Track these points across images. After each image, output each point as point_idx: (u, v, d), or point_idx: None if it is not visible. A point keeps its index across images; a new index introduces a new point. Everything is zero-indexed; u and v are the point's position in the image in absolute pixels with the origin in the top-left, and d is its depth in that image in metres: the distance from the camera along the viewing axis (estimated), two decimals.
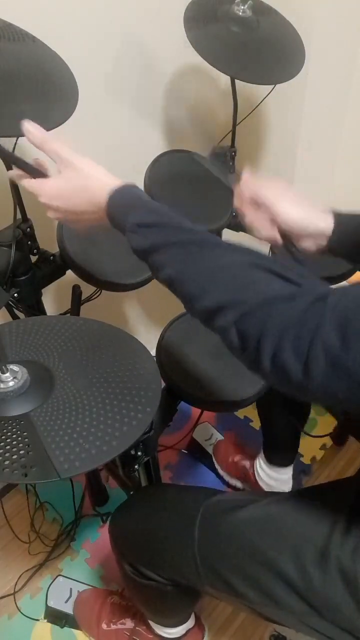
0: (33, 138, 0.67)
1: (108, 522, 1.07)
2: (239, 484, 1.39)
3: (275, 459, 1.27)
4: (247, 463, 1.37)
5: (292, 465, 1.29)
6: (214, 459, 1.45)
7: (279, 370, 0.49)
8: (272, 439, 1.26)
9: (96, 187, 0.65)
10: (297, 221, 0.74)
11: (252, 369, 0.54)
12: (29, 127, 0.67)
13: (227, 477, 1.41)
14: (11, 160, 0.70)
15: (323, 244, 0.75)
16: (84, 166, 0.66)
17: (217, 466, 1.44)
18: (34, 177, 0.70)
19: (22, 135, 0.69)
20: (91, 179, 0.66)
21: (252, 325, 0.51)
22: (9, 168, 0.79)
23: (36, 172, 0.70)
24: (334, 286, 0.52)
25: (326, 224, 0.74)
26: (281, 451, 1.27)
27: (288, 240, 0.76)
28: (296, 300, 0.50)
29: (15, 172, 0.72)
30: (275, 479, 1.27)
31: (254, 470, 1.33)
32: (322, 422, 1.31)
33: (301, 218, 0.74)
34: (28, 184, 0.70)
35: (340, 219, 0.74)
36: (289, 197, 0.75)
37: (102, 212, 0.65)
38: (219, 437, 1.51)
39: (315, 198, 0.76)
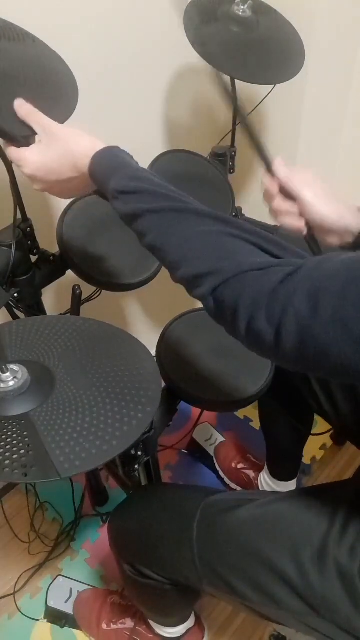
0: (19, 109, 0.68)
1: (107, 521, 1.07)
2: (239, 489, 1.39)
3: (281, 474, 1.28)
4: (250, 473, 1.38)
5: (297, 478, 1.30)
6: (215, 461, 1.45)
7: (254, 337, 0.52)
8: (275, 450, 1.26)
9: (78, 151, 0.64)
10: (329, 216, 0.73)
11: (230, 334, 0.56)
12: (18, 102, 0.68)
13: (227, 480, 1.41)
14: None
15: (349, 240, 0.75)
16: (65, 131, 0.66)
17: (217, 468, 1.44)
18: (17, 146, 0.69)
19: (22, 135, 0.69)
20: (72, 142, 0.65)
21: (228, 295, 0.53)
22: (8, 167, 0.79)
23: (17, 138, 0.69)
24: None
25: (355, 222, 0.73)
26: (285, 464, 1.28)
27: (311, 234, 0.75)
28: (271, 270, 0.52)
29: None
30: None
31: (258, 483, 1.34)
32: (322, 422, 1.31)
33: (332, 214, 0.73)
34: (11, 155, 0.69)
35: None
36: (320, 189, 0.74)
37: (87, 178, 0.65)
38: (219, 437, 1.51)
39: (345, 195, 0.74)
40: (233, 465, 1.40)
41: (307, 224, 0.75)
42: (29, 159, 0.68)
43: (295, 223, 0.76)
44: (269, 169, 0.75)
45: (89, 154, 0.63)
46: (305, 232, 0.76)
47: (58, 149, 0.66)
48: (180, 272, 0.57)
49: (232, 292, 0.52)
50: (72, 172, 0.66)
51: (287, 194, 0.74)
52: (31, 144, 0.69)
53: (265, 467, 1.31)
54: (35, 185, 0.70)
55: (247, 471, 1.39)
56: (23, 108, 0.68)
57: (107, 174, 0.62)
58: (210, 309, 0.56)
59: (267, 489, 1.31)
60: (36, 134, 0.69)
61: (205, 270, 0.54)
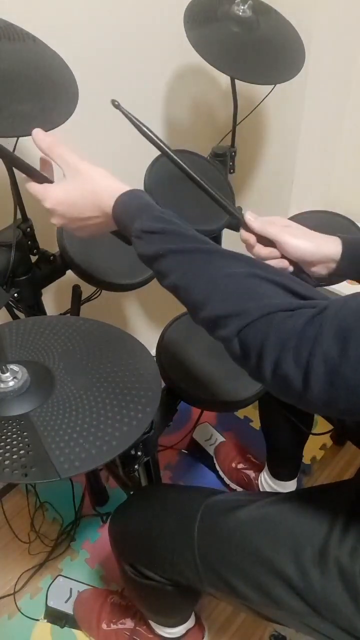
0: (40, 143, 0.68)
1: (108, 521, 1.07)
2: (239, 489, 1.40)
3: (281, 474, 1.28)
4: (251, 473, 1.38)
5: (297, 478, 1.30)
6: (215, 461, 1.45)
7: (280, 380, 0.50)
8: (275, 450, 1.27)
9: (103, 191, 0.65)
10: (307, 250, 0.76)
11: (254, 378, 0.55)
12: (38, 132, 0.68)
13: (227, 480, 1.41)
14: (16, 165, 0.70)
15: (333, 267, 0.77)
16: (90, 171, 0.66)
17: (218, 468, 1.44)
18: (39, 182, 0.70)
19: (22, 135, 0.69)
20: (98, 183, 0.66)
21: (253, 336, 0.52)
22: (8, 167, 0.79)
23: (41, 177, 0.69)
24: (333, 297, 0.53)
25: (334, 250, 0.76)
26: (285, 464, 1.28)
27: (299, 268, 0.79)
28: (297, 312, 0.51)
29: (19, 176, 0.72)
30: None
31: (258, 483, 1.35)
32: (322, 421, 1.31)
33: (310, 247, 0.76)
34: (33, 188, 0.70)
35: (348, 242, 0.76)
36: (294, 229, 0.78)
37: (109, 218, 0.65)
38: (219, 437, 1.51)
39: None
40: (233, 465, 1.41)
41: (291, 262, 0.79)
42: (51, 194, 0.68)
43: (279, 264, 0.79)
44: (241, 223, 0.79)
45: (113, 195, 0.64)
46: (291, 269, 0.79)
47: (82, 186, 0.66)
48: (205, 312, 0.56)
49: (258, 333, 0.51)
50: (93, 212, 0.66)
51: (265, 241, 0.78)
52: (49, 181, 0.70)
53: (266, 467, 1.31)
54: (53, 219, 0.70)
55: (247, 471, 1.39)
56: (44, 141, 0.68)
57: (132, 215, 0.62)
58: (234, 351, 0.54)
59: (267, 489, 1.31)
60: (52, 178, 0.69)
61: (231, 311, 0.53)
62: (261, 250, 0.78)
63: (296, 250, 0.76)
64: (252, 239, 0.79)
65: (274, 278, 0.55)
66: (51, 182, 0.70)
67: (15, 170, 0.76)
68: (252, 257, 0.58)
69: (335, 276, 0.79)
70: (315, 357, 0.47)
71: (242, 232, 0.80)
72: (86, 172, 0.66)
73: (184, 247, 0.58)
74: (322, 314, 0.49)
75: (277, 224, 0.78)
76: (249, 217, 0.78)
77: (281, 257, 0.78)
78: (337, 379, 0.47)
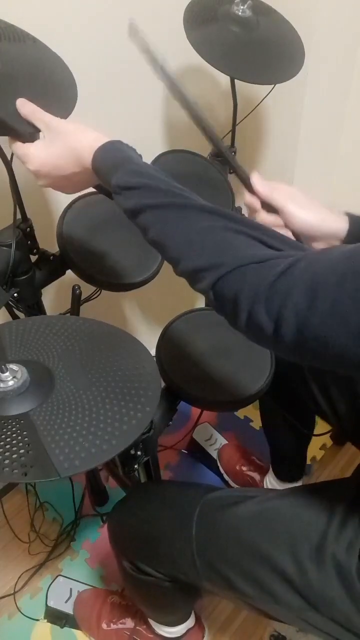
0: (23, 109, 0.69)
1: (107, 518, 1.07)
2: None
3: (286, 475, 1.29)
4: (256, 475, 1.38)
5: (302, 479, 1.30)
6: (218, 464, 1.45)
7: (254, 329, 0.53)
8: (279, 452, 1.27)
9: (81, 146, 0.65)
10: (311, 223, 0.74)
11: (232, 326, 0.56)
12: (20, 102, 0.69)
13: (232, 484, 1.41)
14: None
15: (336, 244, 0.75)
16: (68, 127, 0.67)
17: (222, 471, 1.44)
18: (22, 141, 0.70)
19: (28, 132, 0.69)
20: (75, 138, 0.66)
21: (227, 288, 0.53)
22: (8, 167, 0.79)
23: (20, 133, 0.69)
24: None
25: (340, 226, 0.74)
26: (289, 464, 1.28)
27: (299, 241, 0.77)
28: (270, 263, 0.52)
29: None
30: None
31: (264, 485, 1.35)
32: (322, 422, 1.31)
33: (315, 220, 0.74)
34: (16, 149, 0.70)
35: (354, 220, 0.75)
36: (301, 199, 0.75)
37: (90, 172, 0.65)
38: (219, 437, 1.51)
39: (314, 198, 0.76)
40: (237, 467, 1.41)
41: (293, 233, 0.76)
42: (33, 155, 0.68)
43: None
44: (247, 185, 0.77)
45: (92, 148, 0.64)
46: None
47: (61, 144, 0.66)
48: (181, 266, 0.57)
49: (232, 285, 0.53)
50: (75, 167, 0.66)
51: (270, 207, 0.76)
52: (36, 140, 0.70)
53: (271, 470, 1.32)
54: (39, 180, 0.71)
55: (251, 473, 1.39)
56: (25, 107, 0.69)
57: (110, 169, 0.62)
58: (212, 302, 0.56)
59: None
60: (39, 131, 0.69)
61: (206, 264, 0.55)
62: (265, 216, 0.77)
63: (302, 223, 0.74)
64: (257, 203, 0.77)
65: (249, 232, 0.56)
66: (32, 137, 0.70)
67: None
68: (228, 210, 0.58)
69: None
70: (286, 309, 0.49)
71: (247, 195, 0.78)
72: (64, 128, 0.67)
73: (160, 202, 0.59)
74: (294, 266, 0.50)
75: (283, 192, 0.75)
76: (256, 179, 0.76)
77: (284, 227, 0.76)
78: (306, 329, 0.48)
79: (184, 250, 0.57)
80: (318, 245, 0.76)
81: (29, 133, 0.70)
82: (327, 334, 0.47)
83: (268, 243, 0.55)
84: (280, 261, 0.51)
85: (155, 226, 0.59)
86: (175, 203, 0.59)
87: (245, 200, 0.78)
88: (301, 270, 0.50)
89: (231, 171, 1.26)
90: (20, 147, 0.70)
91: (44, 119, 0.68)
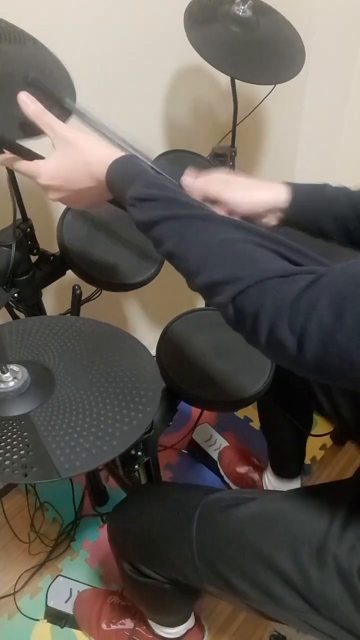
0: (27, 109, 0.66)
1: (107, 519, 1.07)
2: None
3: (284, 472, 1.29)
4: (255, 476, 1.38)
5: (300, 476, 1.30)
6: (219, 466, 1.45)
7: (275, 346, 0.51)
8: (277, 450, 1.27)
9: (95, 160, 0.64)
10: (247, 201, 0.74)
11: (250, 343, 0.55)
12: (25, 97, 0.66)
13: (233, 486, 1.42)
14: (4, 144, 0.68)
15: (282, 216, 0.75)
16: (80, 140, 0.65)
17: (222, 473, 1.44)
18: (29, 160, 0.68)
19: (22, 137, 0.69)
20: (89, 152, 0.65)
21: (248, 303, 0.52)
22: (8, 168, 0.79)
23: (31, 154, 0.67)
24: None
25: (276, 197, 0.74)
26: (287, 461, 1.28)
27: (250, 221, 0.75)
28: (293, 278, 0.50)
29: (6, 156, 0.70)
30: None
31: (262, 484, 1.35)
32: (322, 422, 1.31)
33: (250, 198, 0.74)
34: (24, 166, 0.68)
35: (296, 189, 0.74)
36: (232, 184, 0.75)
37: (103, 187, 0.64)
38: (219, 438, 1.51)
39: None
40: (238, 470, 1.41)
41: (242, 218, 0.75)
42: (43, 169, 0.67)
43: None
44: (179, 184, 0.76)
45: (106, 163, 0.63)
46: None
47: (74, 157, 0.65)
48: (199, 279, 0.55)
49: (253, 300, 0.51)
50: (89, 182, 0.65)
51: (208, 200, 0.75)
52: (40, 157, 0.68)
53: (269, 467, 1.32)
54: (50, 195, 0.69)
55: (252, 474, 1.39)
56: (30, 108, 0.66)
57: (125, 182, 0.61)
58: (229, 317, 0.54)
59: (271, 488, 1.31)
60: (42, 134, 0.67)
61: (226, 277, 0.53)
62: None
63: (237, 206, 0.73)
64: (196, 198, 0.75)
65: (269, 245, 0.55)
66: (42, 158, 0.68)
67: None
68: (247, 222, 0.57)
69: (290, 226, 0.76)
70: (311, 323, 0.47)
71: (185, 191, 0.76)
72: (76, 141, 0.65)
73: (177, 214, 0.58)
74: (318, 281, 0.49)
75: (217, 181, 0.75)
76: (188, 178, 0.75)
77: (229, 214, 0.74)
78: (331, 345, 0.46)
79: (202, 263, 0.55)
80: (266, 221, 0.76)
81: (35, 155, 0.67)
82: (353, 350, 0.45)
83: (289, 257, 0.54)
84: (304, 276, 0.50)
85: (172, 238, 0.58)
86: (194, 215, 0.58)
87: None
88: (326, 284, 0.48)
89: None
90: (25, 164, 0.68)
91: (53, 126, 0.66)
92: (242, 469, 1.40)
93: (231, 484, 1.41)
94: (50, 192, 0.69)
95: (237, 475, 1.40)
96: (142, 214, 0.60)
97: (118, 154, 0.64)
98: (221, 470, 1.44)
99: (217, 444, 1.50)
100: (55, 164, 0.66)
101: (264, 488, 1.34)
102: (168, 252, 0.59)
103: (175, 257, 0.58)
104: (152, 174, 0.62)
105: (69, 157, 0.65)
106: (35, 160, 0.68)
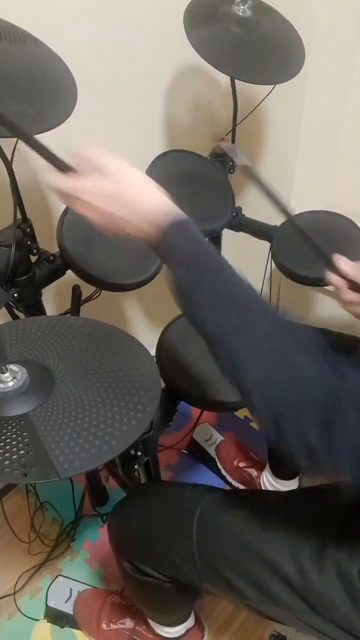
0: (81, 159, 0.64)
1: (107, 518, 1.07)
2: (242, 487, 1.40)
3: (282, 473, 1.29)
4: (253, 472, 1.38)
5: (299, 476, 1.30)
6: (216, 460, 1.45)
7: (300, 450, 0.55)
8: (276, 451, 1.26)
9: (149, 202, 0.62)
10: None
11: (271, 443, 0.57)
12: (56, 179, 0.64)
13: (230, 479, 1.42)
14: (44, 154, 0.64)
15: None
16: (131, 174, 0.63)
17: (219, 466, 1.44)
18: (66, 173, 0.64)
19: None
20: (145, 192, 0.63)
21: (290, 426, 0.55)
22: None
23: (68, 168, 0.65)
24: None
25: None
26: (286, 462, 1.28)
27: None
28: (327, 389, 0.51)
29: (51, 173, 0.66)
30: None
31: (260, 481, 1.35)
32: None
33: None
34: (63, 183, 0.64)
35: None
36: None
37: (151, 230, 0.62)
38: (219, 437, 1.51)
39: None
40: (235, 463, 1.41)
41: None
42: (89, 188, 0.63)
43: None
44: (328, 264, 0.75)
45: (160, 211, 0.61)
46: None
47: (128, 191, 0.62)
48: (234, 375, 0.58)
49: (294, 420, 0.55)
50: (131, 216, 0.62)
51: (356, 286, 0.75)
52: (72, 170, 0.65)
53: (267, 466, 1.32)
54: (81, 208, 0.65)
55: (249, 469, 1.39)
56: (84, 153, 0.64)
57: (181, 259, 0.60)
58: (259, 420, 0.57)
59: (269, 487, 1.31)
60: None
61: (260, 382, 0.55)
62: (349, 295, 0.76)
63: None
64: (340, 282, 0.76)
65: (308, 346, 0.55)
66: (76, 171, 0.65)
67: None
68: (287, 316, 0.58)
69: None
70: (338, 430, 0.50)
71: (331, 275, 0.77)
72: (130, 175, 0.63)
73: (225, 321, 0.59)
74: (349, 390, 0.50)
75: None
76: (342, 262, 0.75)
77: None
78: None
79: (238, 361, 0.58)
80: None
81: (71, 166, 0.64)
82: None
83: (328, 363, 0.54)
84: (340, 386, 0.51)
85: (212, 322, 0.60)
86: (240, 306, 0.58)
87: (328, 280, 0.77)
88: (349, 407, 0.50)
89: (231, 171, 1.27)
90: (66, 179, 0.63)
91: (95, 158, 0.63)
92: (239, 463, 1.40)
93: (229, 478, 1.41)
94: (86, 207, 0.65)
95: (234, 468, 1.40)
96: (194, 307, 0.61)
97: (169, 202, 0.62)
98: (218, 464, 1.44)
99: (217, 442, 1.50)
100: (106, 185, 0.63)
101: (262, 487, 1.33)
102: (207, 334, 0.61)
103: (214, 344, 0.61)
104: (205, 250, 0.60)
105: (123, 186, 0.62)
106: (77, 176, 0.64)
